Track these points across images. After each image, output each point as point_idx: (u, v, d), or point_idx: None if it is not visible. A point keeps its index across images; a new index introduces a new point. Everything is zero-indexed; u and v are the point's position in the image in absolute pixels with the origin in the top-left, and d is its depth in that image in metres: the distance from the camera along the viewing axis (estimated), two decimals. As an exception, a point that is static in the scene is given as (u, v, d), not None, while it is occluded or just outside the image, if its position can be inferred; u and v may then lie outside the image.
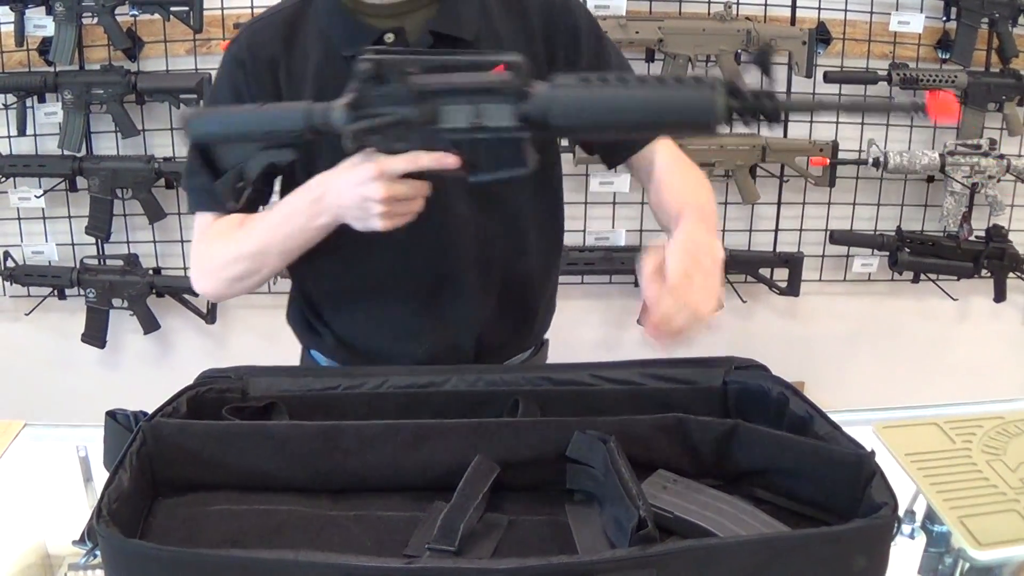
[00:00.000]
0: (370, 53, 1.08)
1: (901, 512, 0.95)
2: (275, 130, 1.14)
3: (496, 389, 1.17)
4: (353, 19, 1.30)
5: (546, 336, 1.58)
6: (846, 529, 0.91)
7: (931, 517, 1.13)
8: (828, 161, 2.61)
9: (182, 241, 2.63)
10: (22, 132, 2.52)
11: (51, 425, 1.36)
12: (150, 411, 1.08)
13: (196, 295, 2.57)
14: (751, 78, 1.32)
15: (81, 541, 0.92)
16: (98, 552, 0.90)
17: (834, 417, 1.08)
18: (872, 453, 1.00)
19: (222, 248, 1.31)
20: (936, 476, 1.21)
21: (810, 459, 1.03)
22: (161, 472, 1.03)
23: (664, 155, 1.38)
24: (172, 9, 2.42)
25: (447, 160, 1.09)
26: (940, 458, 1.25)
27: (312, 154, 1.24)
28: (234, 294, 1.37)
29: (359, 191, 1.13)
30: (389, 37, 1.28)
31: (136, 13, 2.45)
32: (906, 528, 1.06)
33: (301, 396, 1.16)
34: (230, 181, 1.19)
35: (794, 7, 2.58)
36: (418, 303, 1.38)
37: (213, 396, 1.14)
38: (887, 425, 1.33)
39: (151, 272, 2.62)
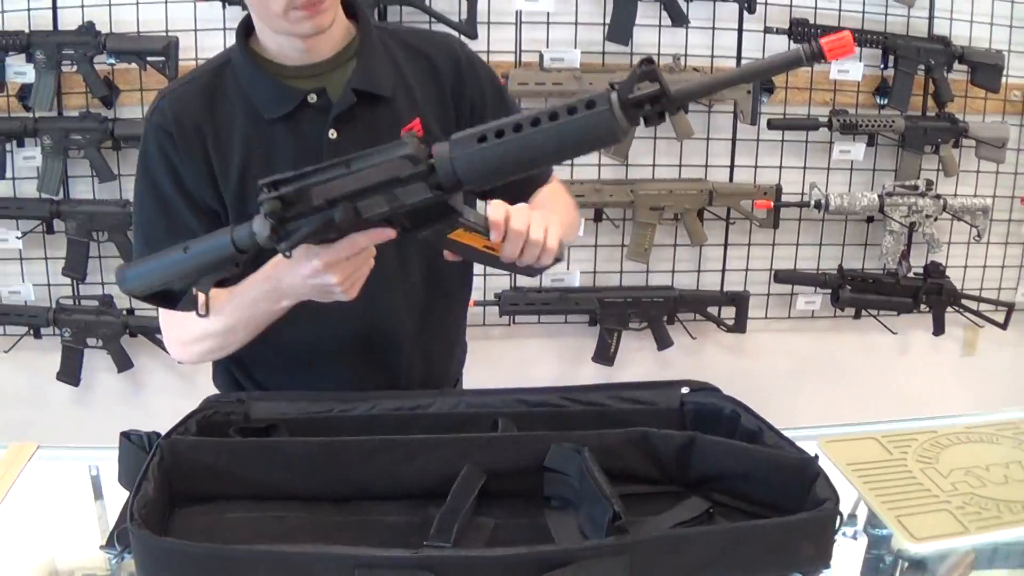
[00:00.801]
0: (266, 188, 1.10)
1: (844, 516, 1.10)
2: (208, 265, 1.16)
3: (477, 411, 1.30)
4: (274, 82, 1.37)
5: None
6: (794, 520, 1.06)
7: (872, 522, 1.27)
8: (772, 204, 2.78)
9: (156, 283, 2.73)
10: (1, 175, 2.62)
11: (63, 447, 1.45)
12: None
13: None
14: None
15: (109, 546, 1.03)
16: (126, 555, 1.00)
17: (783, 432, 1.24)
18: (816, 457, 1.14)
19: (192, 324, 1.30)
20: (875, 483, 1.35)
21: (760, 464, 1.18)
22: (178, 484, 1.13)
23: (547, 187, 1.53)
24: (148, 59, 2.55)
25: (385, 234, 1.15)
26: (879, 467, 1.40)
27: None
28: (207, 361, 1.46)
29: (313, 282, 1.20)
30: (312, 98, 1.36)
31: (113, 62, 2.57)
32: (848, 530, 1.22)
33: (299, 418, 1.27)
34: (189, 303, 1.20)
35: (739, 58, 2.76)
36: (354, 356, 1.46)
37: (219, 418, 1.25)
38: (830, 439, 1.47)
39: (125, 312, 2.72)
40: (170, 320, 1.42)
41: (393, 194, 1.10)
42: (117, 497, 1.18)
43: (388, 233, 1.15)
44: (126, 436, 1.19)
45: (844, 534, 1.18)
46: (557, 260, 1.24)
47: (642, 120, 1.02)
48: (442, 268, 1.42)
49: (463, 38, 2.46)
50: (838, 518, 1.07)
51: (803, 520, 1.06)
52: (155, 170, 1.37)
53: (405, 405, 1.31)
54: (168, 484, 1.12)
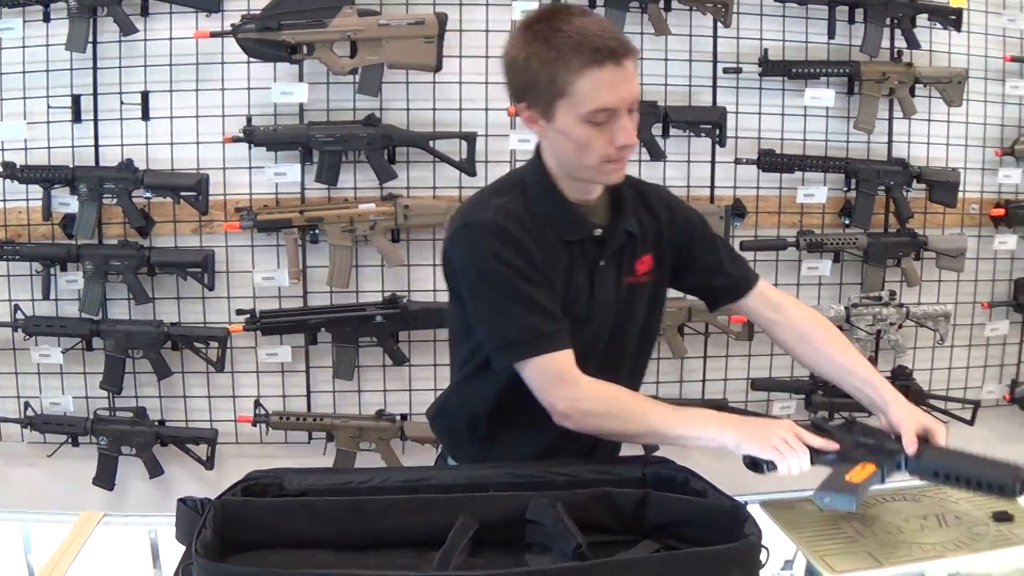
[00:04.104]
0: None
1: (782, 563, 1.46)
2: None
3: (471, 482, 1.61)
4: (574, 213, 1.72)
5: None
6: (724, 548, 1.37)
7: (811, 571, 1.57)
8: (746, 319, 3.13)
9: (184, 397, 3.13)
10: (46, 296, 3.00)
11: (126, 514, 1.79)
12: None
13: (197, 444, 3.05)
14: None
15: None
16: None
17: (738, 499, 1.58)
18: (744, 504, 1.49)
19: (609, 406, 1.67)
20: (804, 532, 1.65)
21: (701, 511, 1.52)
22: (229, 535, 1.42)
23: (791, 306, 1.92)
24: (182, 194, 2.95)
25: (831, 446, 1.61)
26: (810, 521, 1.69)
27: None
28: (581, 428, 1.69)
29: (777, 433, 1.61)
30: (597, 232, 1.73)
31: (150, 196, 2.98)
32: (786, 574, 1.54)
33: (325, 488, 1.58)
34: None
35: (712, 187, 3.18)
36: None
37: (259, 488, 1.55)
38: (769, 502, 1.78)
39: (157, 423, 3.08)
40: (576, 390, 1.67)
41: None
42: (173, 562, 1.46)
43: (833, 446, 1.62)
44: (183, 501, 1.48)
45: None
46: None
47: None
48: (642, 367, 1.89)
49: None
50: (764, 551, 1.39)
51: (731, 548, 1.38)
52: (508, 258, 1.65)
53: (412, 477, 1.62)
54: (220, 535, 1.41)
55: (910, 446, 1.62)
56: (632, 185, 1.82)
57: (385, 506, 1.49)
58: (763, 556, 1.40)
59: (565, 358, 1.66)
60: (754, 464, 1.65)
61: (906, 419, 1.67)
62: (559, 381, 1.66)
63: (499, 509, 1.49)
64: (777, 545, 1.58)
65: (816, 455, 1.63)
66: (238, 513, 1.43)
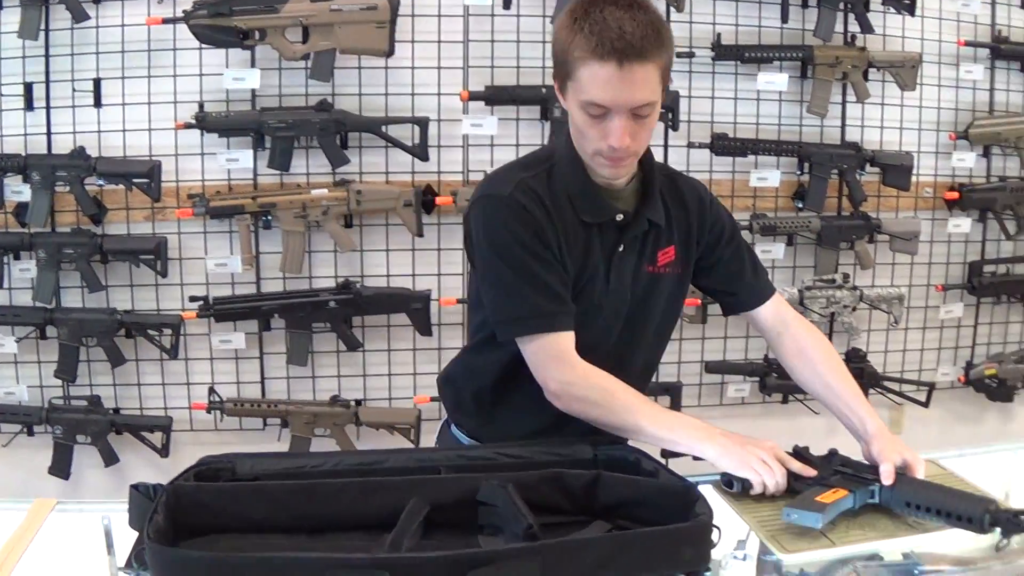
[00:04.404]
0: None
1: (735, 543, 1.48)
2: None
3: (423, 464, 1.63)
4: (597, 195, 1.71)
5: None
6: (675, 528, 1.40)
7: (764, 551, 1.58)
8: (699, 302, 3.20)
9: (139, 384, 3.13)
10: (-1, 285, 3.00)
11: (79, 501, 1.79)
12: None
13: (152, 431, 3.06)
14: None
15: (127, 567, 1.35)
16: (143, 573, 1.30)
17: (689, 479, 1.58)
18: (696, 484, 1.50)
19: (599, 395, 1.69)
20: (759, 514, 1.66)
21: (652, 492, 1.53)
22: (180, 520, 1.43)
23: (798, 324, 1.94)
24: (134, 181, 2.96)
25: (808, 472, 1.64)
26: (765, 505, 1.68)
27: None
28: (568, 411, 1.72)
29: (755, 453, 1.64)
30: (619, 217, 1.72)
31: (102, 183, 2.98)
32: (739, 554, 1.54)
33: (277, 472, 1.58)
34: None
35: (666, 171, 3.18)
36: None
37: (211, 473, 1.56)
38: None
39: (111, 412, 3.09)
40: (568, 371, 1.69)
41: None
42: (127, 548, 1.43)
43: (810, 472, 1.66)
44: (135, 487, 1.47)
45: (735, 557, 1.50)
46: None
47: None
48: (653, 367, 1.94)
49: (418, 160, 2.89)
50: (716, 531, 1.40)
51: (683, 528, 1.40)
52: (521, 234, 1.67)
53: (365, 461, 1.63)
54: (172, 520, 1.42)
55: (887, 477, 1.63)
56: (668, 175, 1.83)
57: (337, 489, 1.50)
58: (715, 536, 1.41)
59: (565, 340, 1.69)
60: (729, 483, 1.68)
61: (886, 450, 1.70)
62: (555, 361, 1.69)
63: (450, 491, 1.50)
64: (730, 525, 1.58)
65: (794, 479, 1.67)
66: (190, 498, 1.44)
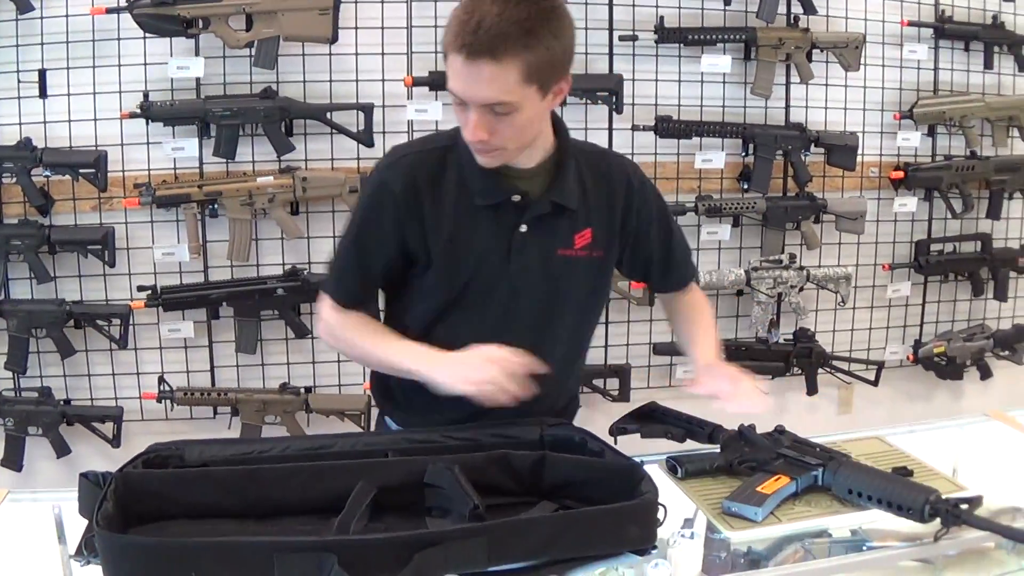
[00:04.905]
0: None
1: (681, 521, 1.52)
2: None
3: (371, 448, 1.66)
4: (490, 177, 1.69)
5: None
6: (620, 506, 1.44)
7: (711, 528, 1.62)
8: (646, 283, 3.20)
9: (89, 375, 3.14)
10: (-55, 279, 3.00)
11: (31, 490, 1.81)
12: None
13: (103, 422, 3.07)
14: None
15: (78, 554, 1.37)
16: (92, 560, 1.33)
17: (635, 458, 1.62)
18: (641, 463, 1.54)
19: (354, 339, 1.81)
20: (706, 492, 1.71)
21: (598, 471, 1.57)
22: (130, 508, 1.45)
23: (694, 292, 2.02)
24: (81, 171, 2.96)
25: (540, 369, 1.64)
26: (712, 480, 1.76)
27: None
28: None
29: (476, 364, 1.63)
30: (516, 197, 1.70)
31: (49, 174, 2.97)
32: (686, 532, 1.57)
33: (225, 458, 1.61)
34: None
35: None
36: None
37: (160, 460, 1.59)
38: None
39: (62, 403, 3.09)
40: (335, 319, 1.82)
41: None
42: (77, 536, 1.45)
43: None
44: (84, 476, 1.50)
45: (683, 535, 1.53)
46: None
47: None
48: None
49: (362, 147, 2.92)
50: (661, 508, 1.45)
51: (628, 506, 1.44)
52: (368, 210, 1.75)
53: (313, 445, 1.66)
54: (122, 507, 1.44)
55: (698, 386, 1.76)
56: (597, 155, 1.84)
57: (285, 474, 1.53)
58: (660, 514, 1.45)
59: (346, 307, 1.81)
60: (673, 467, 1.79)
61: (702, 378, 1.81)
62: (329, 310, 1.83)
63: (397, 474, 1.53)
64: (677, 504, 1.63)
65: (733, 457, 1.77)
66: (138, 485, 1.47)
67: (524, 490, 1.60)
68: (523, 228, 1.73)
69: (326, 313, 1.84)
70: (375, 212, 1.74)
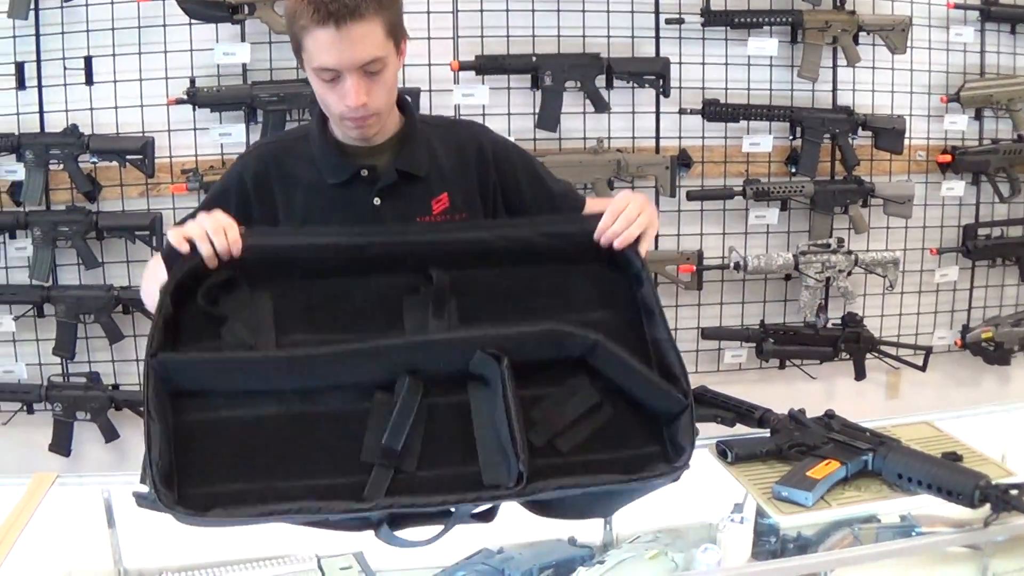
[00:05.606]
0: None
1: (731, 506, 1.53)
2: None
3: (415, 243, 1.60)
4: (338, 156, 1.79)
5: None
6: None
7: (761, 513, 1.63)
8: (694, 268, 3.23)
9: (137, 360, 3.15)
10: (-5, 264, 3.03)
11: (80, 475, 1.86)
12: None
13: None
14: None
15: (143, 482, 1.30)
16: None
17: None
18: (690, 403, 1.47)
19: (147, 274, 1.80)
20: (755, 476, 1.72)
21: (641, 388, 1.49)
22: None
23: None
24: (128, 157, 2.98)
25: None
26: (762, 465, 1.76)
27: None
28: None
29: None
30: (364, 172, 1.79)
31: (96, 161, 3.01)
32: (736, 516, 1.57)
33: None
34: None
35: (658, 138, 3.24)
36: None
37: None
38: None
39: (111, 388, 3.12)
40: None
41: None
42: (127, 522, 1.49)
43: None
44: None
45: (732, 520, 1.54)
46: None
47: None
48: None
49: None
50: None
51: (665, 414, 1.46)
52: (221, 197, 1.80)
53: (355, 243, 1.58)
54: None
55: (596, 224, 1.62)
56: (445, 124, 1.93)
57: (326, 358, 1.46)
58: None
59: None
60: (724, 452, 1.79)
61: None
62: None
63: (443, 359, 1.48)
64: (727, 488, 1.64)
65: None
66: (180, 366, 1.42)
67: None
68: (376, 201, 1.80)
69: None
70: (221, 199, 1.78)
